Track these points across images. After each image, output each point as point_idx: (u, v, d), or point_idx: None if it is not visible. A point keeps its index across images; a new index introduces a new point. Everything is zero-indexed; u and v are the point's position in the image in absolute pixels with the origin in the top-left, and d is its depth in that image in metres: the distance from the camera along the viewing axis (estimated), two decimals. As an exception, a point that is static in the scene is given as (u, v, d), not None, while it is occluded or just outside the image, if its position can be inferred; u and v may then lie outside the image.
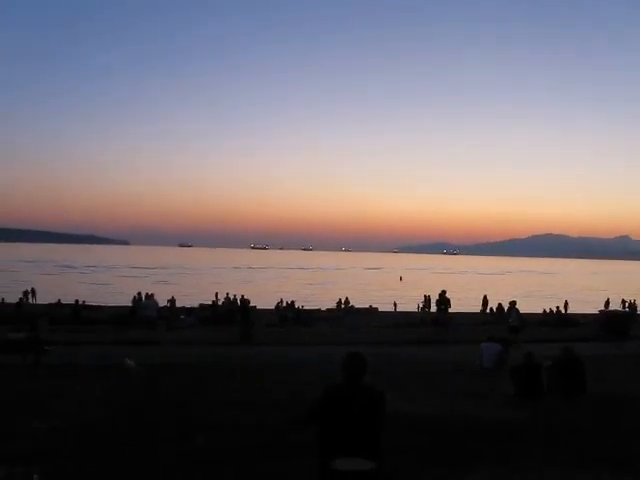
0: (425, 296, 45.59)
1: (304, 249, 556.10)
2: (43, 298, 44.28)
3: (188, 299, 44.24)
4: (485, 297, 43.84)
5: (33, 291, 47.27)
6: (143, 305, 33.32)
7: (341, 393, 4.92)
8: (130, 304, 36.72)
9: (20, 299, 38.75)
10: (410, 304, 49.66)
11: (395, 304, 49.32)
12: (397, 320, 36.05)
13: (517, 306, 24.84)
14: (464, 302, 46.12)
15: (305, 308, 42.12)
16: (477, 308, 43.08)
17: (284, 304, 43.70)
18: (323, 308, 45.27)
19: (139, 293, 36.90)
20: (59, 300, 41.42)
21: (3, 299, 41.10)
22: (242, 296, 28.77)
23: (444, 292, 28.21)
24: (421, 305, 46.58)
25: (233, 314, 36.16)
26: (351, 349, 5.12)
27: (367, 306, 47.19)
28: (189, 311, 36.36)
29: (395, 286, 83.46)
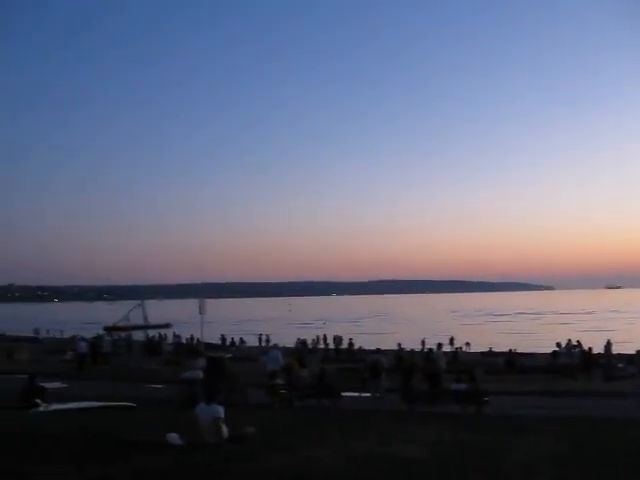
0: None
1: None
2: (475, 346, 45.99)
3: (622, 345, 41.17)
4: None
5: (451, 340, 47.33)
6: (565, 353, 32.37)
7: None
8: (555, 350, 35.41)
9: (456, 348, 41.30)
10: None
11: None
12: None
13: None
14: None
15: None
16: None
17: None
18: None
19: (569, 340, 35.82)
20: (490, 348, 42.46)
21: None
22: None
23: None
24: None
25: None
26: None
27: None
28: (629, 359, 32.70)
29: None
